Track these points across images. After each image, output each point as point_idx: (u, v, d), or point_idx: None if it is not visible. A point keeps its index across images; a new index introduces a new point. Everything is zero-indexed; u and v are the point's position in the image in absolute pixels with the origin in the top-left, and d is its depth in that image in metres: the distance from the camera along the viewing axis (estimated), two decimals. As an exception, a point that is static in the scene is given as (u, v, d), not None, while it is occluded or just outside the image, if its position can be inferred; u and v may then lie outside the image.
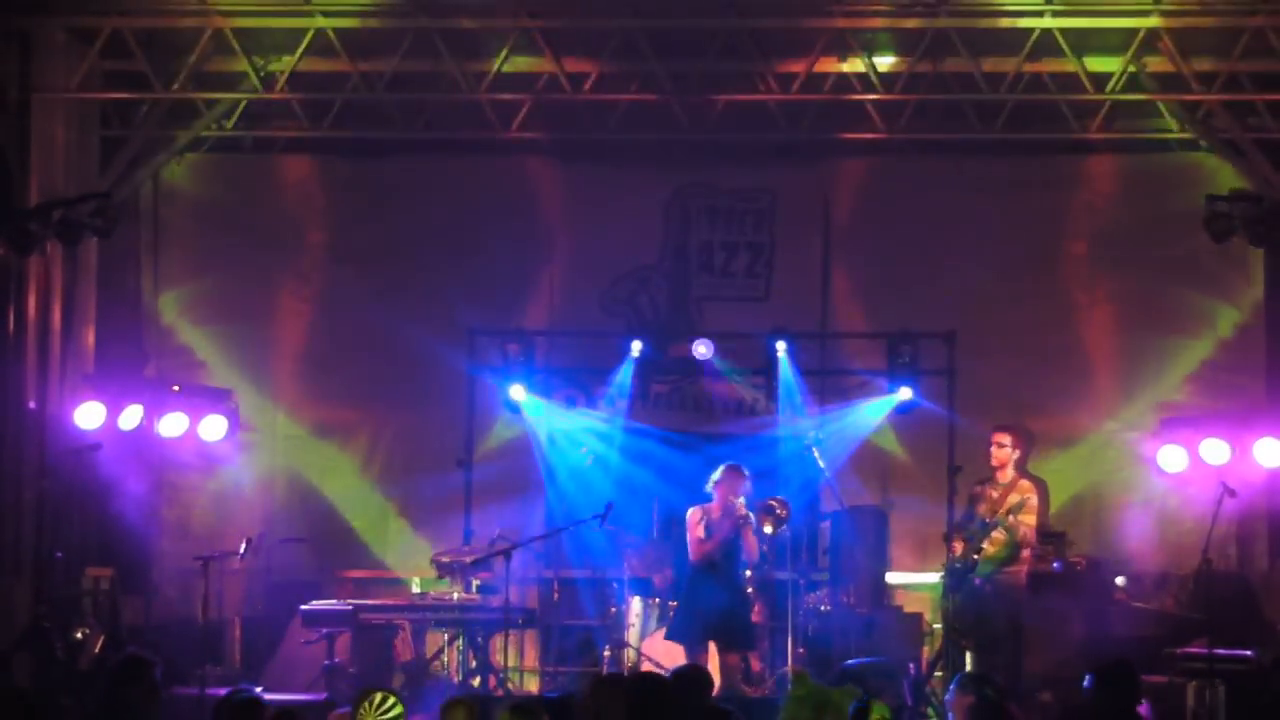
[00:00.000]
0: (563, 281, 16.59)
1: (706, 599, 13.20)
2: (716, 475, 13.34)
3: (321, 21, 14.73)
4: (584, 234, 16.56)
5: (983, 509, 13.22)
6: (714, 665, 13.51)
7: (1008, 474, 13.29)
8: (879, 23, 14.83)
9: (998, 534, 13.03)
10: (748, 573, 13.69)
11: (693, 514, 13.32)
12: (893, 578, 15.58)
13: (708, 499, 13.35)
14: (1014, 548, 13.14)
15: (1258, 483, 14.85)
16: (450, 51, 14.98)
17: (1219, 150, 15.38)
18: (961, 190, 16.34)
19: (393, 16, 14.88)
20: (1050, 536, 14.35)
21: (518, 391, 15.23)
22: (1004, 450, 13.36)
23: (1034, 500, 13.15)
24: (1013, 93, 15.03)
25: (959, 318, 15.60)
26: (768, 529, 13.57)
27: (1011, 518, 12.97)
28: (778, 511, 13.68)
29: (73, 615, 14.17)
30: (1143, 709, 12.63)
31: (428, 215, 16.57)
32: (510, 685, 14.09)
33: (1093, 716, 8.92)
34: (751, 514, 13.29)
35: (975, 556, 13.04)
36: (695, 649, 13.18)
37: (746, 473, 13.36)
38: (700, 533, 13.22)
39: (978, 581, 13.07)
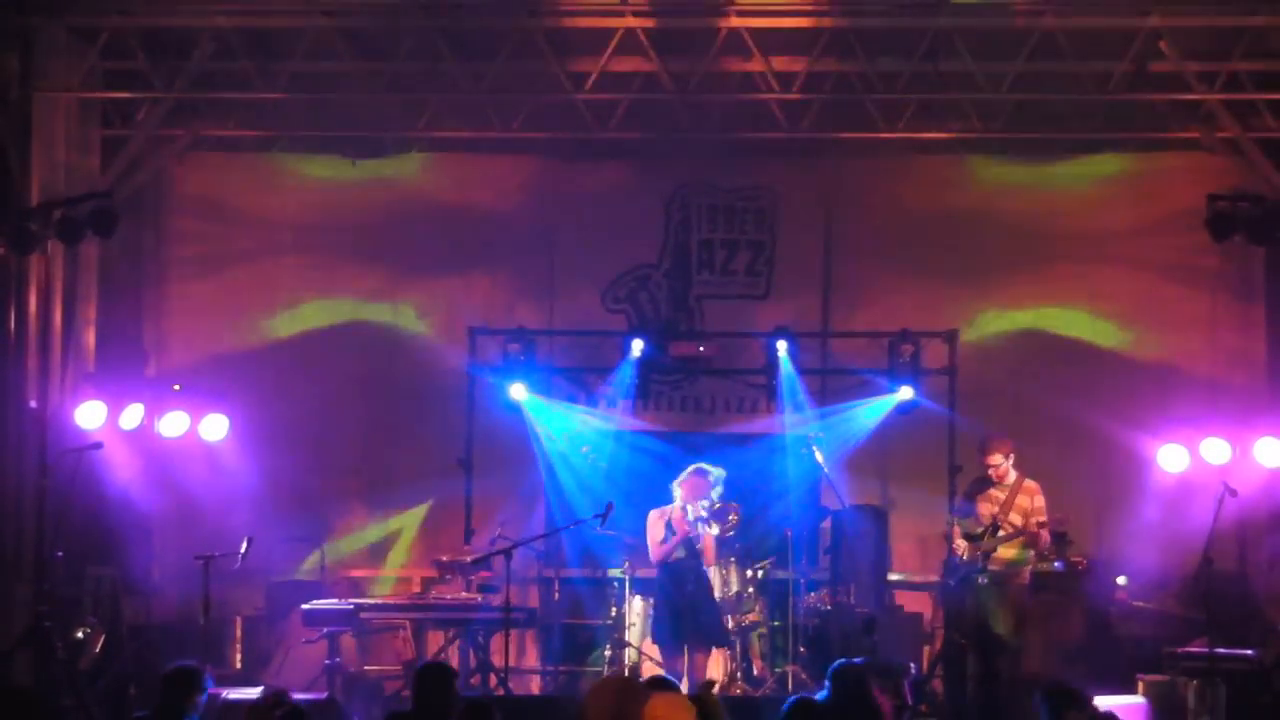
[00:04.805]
0: (563, 280, 16.60)
1: (673, 599, 13.22)
2: (682, 476, 13.32)
3: (322, 21, 14.72)
4: (584, 233, 16.57)
5: (985, 508, 13.16)
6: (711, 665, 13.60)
7: (1010, 475, 13.25)
8: (879, 22, 14.82)
9: (1018, 538, 12.99)
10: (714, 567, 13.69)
11: (653, 516, 13.31)
12: (893, 577, 15.58)
13: (669, 500, 13.35)
14: (1027, 550, 13.13)
15: (1258, 482, 14.86)
16: (451, 51, 14.98)
17: (1219, 150, 15.38)
18: (962, 190, 16.37)
19: (393, 16, 14.87)
20: (1051, 536, 14.33)
21: (518, 390, 15.22)
22: (1001, 467, 13.26)
23: (1043, 502, 13.13)
24: (1013, 93, 15.04)
25: (959, 318, 15.60)
26: (714, 530, 13.50)
27: (1034, 524, 12.95)
28: (730, 518, 13.61)
29: (73, 615, 14.18)
30: (1142, 708, 12.73)
31: (428, 214, 16.59)
32: (510, 685, 14.08)
33: None
34: (707, 515, 13.27)
35: (981, 558, 13.01)
36: (669, 650, 13.20)
37: (712, 474, 13.33)
38: (659, 534, 13.23)
39: (982, 581, 13.03)
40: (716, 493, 13.28)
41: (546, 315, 16.43)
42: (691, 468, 13.37)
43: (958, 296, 16.07)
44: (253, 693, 11.92)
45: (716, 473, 13.36)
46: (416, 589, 15.38)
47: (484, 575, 14.02)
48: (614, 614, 14.43)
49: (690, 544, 13.23)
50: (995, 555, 13.02)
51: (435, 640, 14.54)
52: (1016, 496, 13.10)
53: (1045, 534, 13.09)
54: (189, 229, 16.73)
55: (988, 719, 13.08)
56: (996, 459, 13.22)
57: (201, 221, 16.72)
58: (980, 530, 13.16)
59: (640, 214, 16.64)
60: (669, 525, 13.21)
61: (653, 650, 13.77)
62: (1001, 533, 13.04)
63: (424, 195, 16.61)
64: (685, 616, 13.15)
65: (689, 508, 13.21)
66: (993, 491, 13.24)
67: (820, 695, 9.25)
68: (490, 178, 16.57)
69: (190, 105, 15.56)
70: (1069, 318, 16.32)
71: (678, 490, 13.29)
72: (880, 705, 9.40)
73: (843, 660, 9.58)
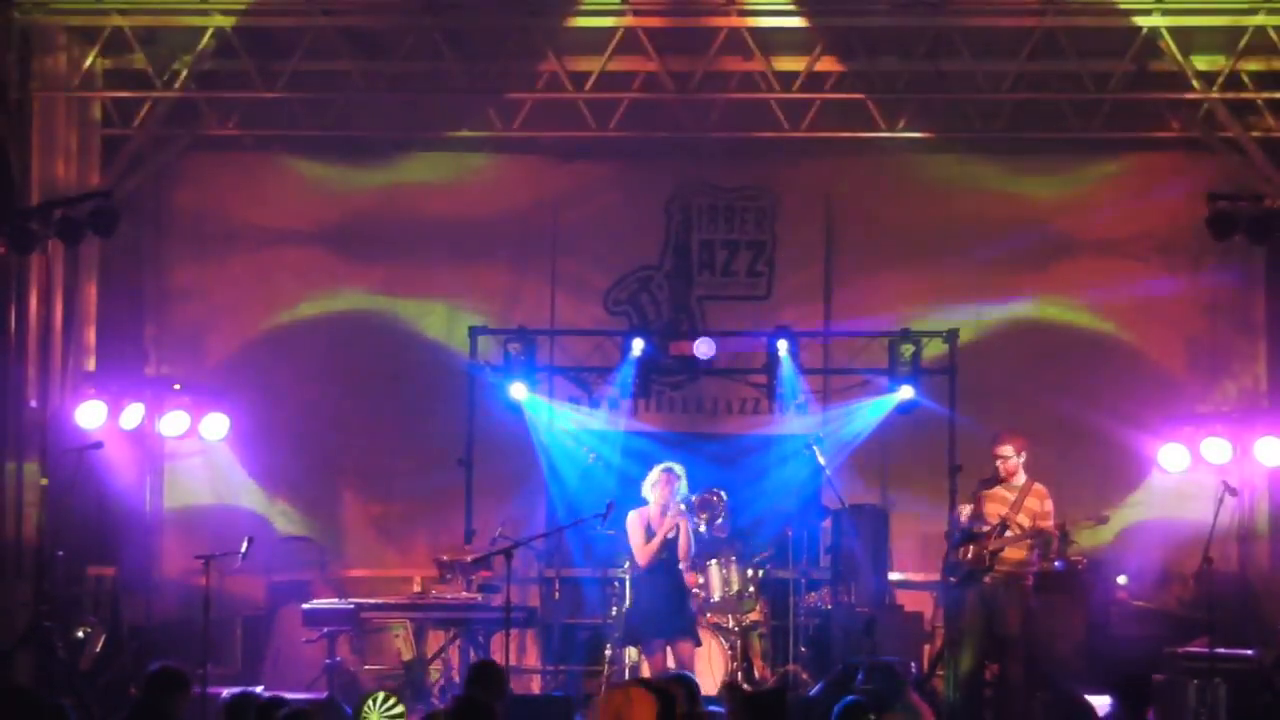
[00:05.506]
0: (564, 280, 16.60)
1: (654, 599, 13.18)
2: (651, 479, 13.27)
3: (322, 21, 14.73)
4: (585, 233, 16.58)
5: (993, 508, 13.09)
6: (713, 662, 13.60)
7: (1020, 476, 13.20)
8: (881, 22, 14.82)
9: (1026, 539, 12.98)
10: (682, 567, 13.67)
11: (632, 519, 13.23)
12: (893, 577, 15.58)
13: (645, 503, 13.33)
14: (1034, 552, 13.10)
15: (1259, 482, 14.86)
16: (451, 51, 14.99)
17: (1219, 150, 15.37)
18: (962, 189, 16.37)
19: (394, 15, 14.88)
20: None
21: (519, 390, 15.21)
22: (1010, 461, 13.20)
23: (1052, 506, 13.11)
24: (1013, 92, 15.04)
25: (959, 317, 15.60)
26: (702, 528, 13.45)
27: (1048, 526, 12.94)
28: (715, 505, 13.57)
29: (74, 614, 14.18)
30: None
31: (428, 214, 16.58)
32: (510, 685, 14.05)
33: None
34: (686, 511, 13.27)
35: (988, 556, 12.98)
36: (651, 649, 13.16)
37: (680, 472, 13.30)
38: (642, 537, 13.21)
39: (988, 580, 13.00)
40: (682, 486, 13.27)
41: (547, 315, 16.43)
42: (658, 469, 13.33)
43: (958, 296, 16.05)
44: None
45: (680, 469, 13.34)
46: (416, 589, 15.37)
47: (484, 575, 14.02)
48: (615, 613, 14.42)
49: (669, 545, 13.23)
50: (1003, 555, 12.98)
51: (435, 640, 14.53)
52: (1026, 498, 13.03)
53: (1055, 538, 13.07)
54: (189, 228, 16.73)
55: (987, 719, 13.08)
56: (1006, 450, 13.11)
57: (201, 221, 16.72)
58: (986, 529, 13.13)
59: (640, 214, 16.63)
60: (649, 528, 13.20)
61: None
62: (1009, 533, 13.00)
63: (424, 195, 16.60)
64: (661, 617, 13.12)
65: (669, 508, 13.19)
66: (1002, 492, 13.16)
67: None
68: (490, 178, 16.57)
69: (190, 105, 15.56)
70: (1069, 317, 16.32)
71: (651, 494, 13.28)
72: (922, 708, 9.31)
73: (884, 660, 9.44)
